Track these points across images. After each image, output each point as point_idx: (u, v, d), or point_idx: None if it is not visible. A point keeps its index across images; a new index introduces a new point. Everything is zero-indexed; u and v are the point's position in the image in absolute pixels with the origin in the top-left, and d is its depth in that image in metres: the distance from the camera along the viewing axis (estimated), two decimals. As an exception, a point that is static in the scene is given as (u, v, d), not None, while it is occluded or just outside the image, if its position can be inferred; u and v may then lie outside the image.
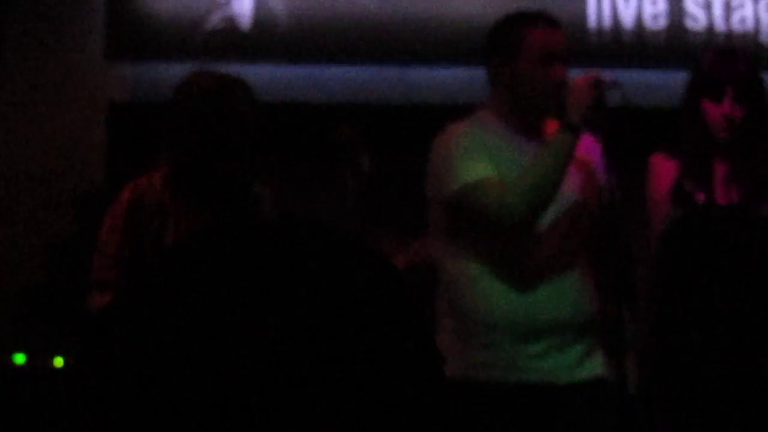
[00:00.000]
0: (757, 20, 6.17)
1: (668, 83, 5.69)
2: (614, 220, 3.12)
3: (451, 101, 5.80)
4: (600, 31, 6.09)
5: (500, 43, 3.35)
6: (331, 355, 1.85)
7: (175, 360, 1.82)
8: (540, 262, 3.25)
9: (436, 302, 3.37)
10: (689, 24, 6.15)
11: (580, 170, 3.35)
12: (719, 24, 6.16)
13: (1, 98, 5.94)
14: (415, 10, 6.00)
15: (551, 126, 3.32)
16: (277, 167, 4.66)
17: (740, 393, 3.26)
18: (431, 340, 2.07)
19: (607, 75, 3.27)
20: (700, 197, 3.42)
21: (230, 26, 5.92)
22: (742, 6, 6.17)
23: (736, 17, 6.17)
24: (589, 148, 3.37)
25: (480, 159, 3.24)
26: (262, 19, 5.94)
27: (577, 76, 3.25)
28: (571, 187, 3.29)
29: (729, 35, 6.16)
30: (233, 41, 5.92)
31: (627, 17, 6.12)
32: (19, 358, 4.71)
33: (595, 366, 3.33)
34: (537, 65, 3.28)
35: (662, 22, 6.13)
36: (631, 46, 6.12)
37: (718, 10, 6.16)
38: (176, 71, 3.90)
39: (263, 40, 5.94)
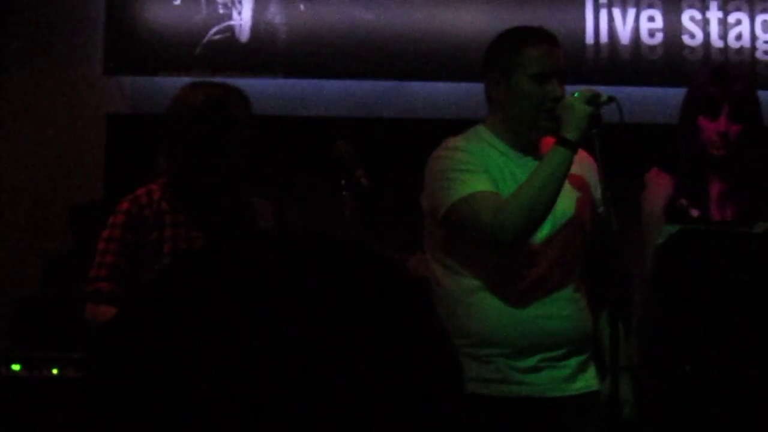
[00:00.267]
0: (753, 37, 6.18)
1: (665, 99, 5.71)
2: (609, 237, 3.12)
3: (448, 116, 5.81)
4: (597, 47, 6.10)
5: (497, 59, 3.36)
6: (339, 365, 1.85)
7: (180, 372, 1.82)
8: (534, 277, 3.26)
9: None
10: (686, 40, 6.16)
11: (576, 186, 3.36)
12: (716, 41, 6.17)
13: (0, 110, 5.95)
14: (413, 25, 6.01)
15: (547, 142, 3.33)
16: (275, 181, 4.67)
17: (738, 407, 3.27)
18: (448, 344, 2.06)
19: (603, 91, 3.28)
20: (695, 214, 3.43)
21: (229, 39, 5.93)
22: (738, 23, 6.18)
23: (732, 34, 6.18)
24: (584, 164, 3.38)
25: (476, 174, 3.25)
26: (261, 32, 5.95)
27: (573, 92, 3.26)
28: (566, 203, 3.30)
29: (725, 52, 6.18)
30: (232, 54, 5.92)
31: (624, 33, 6.13)
32: (15, 369, 4.70)
33: (589, 380, 3.34)
34: (533, 82, 3.29)
35: (659, 39, 6.15)
36: (628, 63, 6.13)
37: (714, 27, 6.17)
38: (174, 84, 3.91)
39: (262, 54, 5.94)
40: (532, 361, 3.25)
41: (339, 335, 1.85)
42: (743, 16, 6.20)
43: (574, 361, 3.31)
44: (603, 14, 6.13)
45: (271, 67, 5.95)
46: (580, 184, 3.39)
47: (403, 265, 4.78)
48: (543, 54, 3.30)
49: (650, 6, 6.16)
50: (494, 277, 3.26)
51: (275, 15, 5.97)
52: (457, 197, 3.21)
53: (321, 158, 3.94)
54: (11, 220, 5.84)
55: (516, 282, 3.26)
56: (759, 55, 6.20)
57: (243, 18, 5.95)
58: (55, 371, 4.69)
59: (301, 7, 5.96)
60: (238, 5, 5.95)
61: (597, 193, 3.39)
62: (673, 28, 6.16)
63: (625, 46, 6.13)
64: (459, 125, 3.48)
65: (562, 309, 3.29)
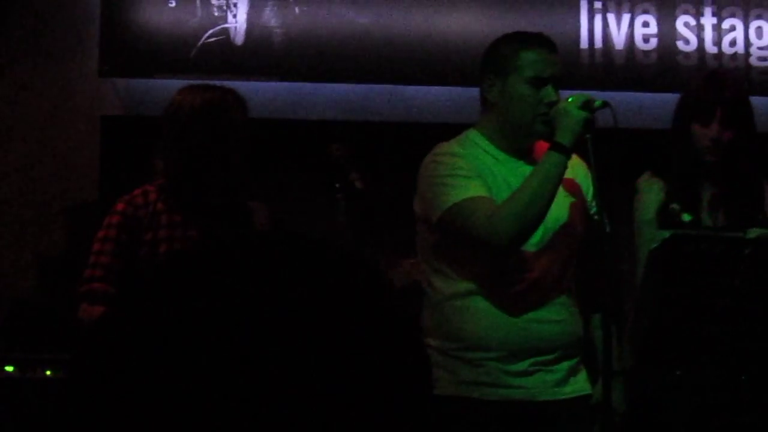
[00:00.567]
0: (747, 43, 6.20)
1: (659, 105, 5.72)
2: (602, 241, 3.13)
3: (443, 120, 5.82)
4: (591, 51, 6.11)
5: (494, 63, 3.36)
6: (316, 365, 1.86)
7: (167, 371, 1.83)
8: (527, 281, 3.27)
9: (423, 320, 3.38)
10: (680, 46, 6.18)
11: (569, 191, 3.36)
12: (710, 46, 6.19)
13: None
14: (408, 29, 6.01)
15: (540, 146, 3.34)
16: (270, 184, 4.67)
17: (728, 411, 3.27)
18: (420, 351, 2.08)
19: (597, 96, 3.29)
20: (687, 219, 3.43)
21: (224, 42, 5.93)
22: (733, 29, 6.20)
23: (727, 40, 6.20)
24: (577, 168, 3.39)
25: (470, 179, 3.25)
26: (256, 35, 5.95)
27: (567, 96, 3.27)
28: (559, 208, 3.30)
29: (720, 58, 6.19)
30: (227, 57, 5.93)
31: (619, 38, 6.14)
32: (9, 371, 4.71)
33: (580, 383, 3.35)
34: (529, 85, 3.29)
35: (653, 44, 6.16)
36: (622, 68, 6.14)
37: (709, 33, 6.19)
38: (169, 86, 3.92)
39: (257, 57, 5.95)
40: (523, 364, 3.25)
41: (312, 335, 1.87)
42: (737, 22, 6.22)
43: (565, 365, 3.31)
44: (598, 19, 6.15)
45: (266, 70, 5.96)
46: (573, 189, 3.39)
47: (378, 267, 4.79)
48: (540, 59, 3.30)
49: (645, 11, 6.18)
50: (487, 281, 3.26)
51: (270, 18, 5.97)
52: (450, 203, 3.21)
53: (315, 161, 3.95)
54: (5, 221, 5.84)
55: (509, 286, 3.26)
56: (753, 61, 6.21)
57: (238, 21, 5.95)
58: (48, 373, 4.69)
59: (296, 10, 5.97)
60: (233, 8, 5.96)
61: (590, 197, 3.39)
62: (668, 34, 6.17)
63: (619, 51, 6.14)
64: (453, 129, 3.48)
65: (554, 313, 3.30)
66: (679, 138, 3.54)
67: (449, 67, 5.98)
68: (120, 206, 3.41)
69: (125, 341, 1.84)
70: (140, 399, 1.81)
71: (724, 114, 3.45)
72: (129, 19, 5.88)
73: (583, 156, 3.29)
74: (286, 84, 5.99)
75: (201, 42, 5.92)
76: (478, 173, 3.27)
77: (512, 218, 3.15)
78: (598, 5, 6.14)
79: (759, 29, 6.21)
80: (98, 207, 4.63)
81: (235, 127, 3.41)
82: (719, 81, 3.53)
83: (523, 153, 3.36)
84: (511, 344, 3.24)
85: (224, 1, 5.96)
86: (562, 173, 3.21)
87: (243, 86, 3.68)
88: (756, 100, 3.63)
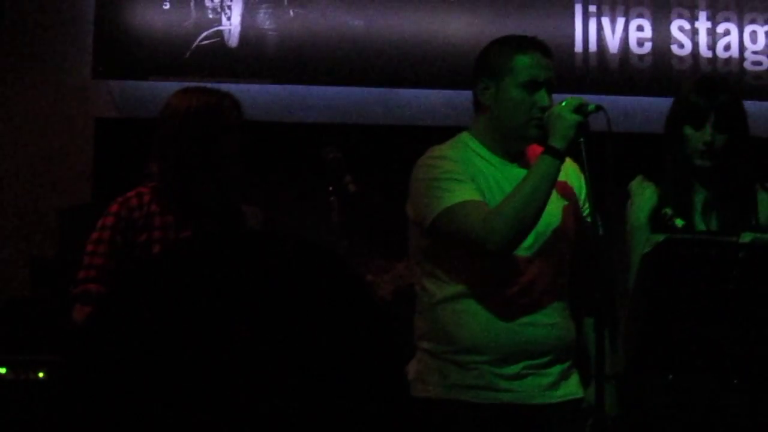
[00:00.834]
0: (742, 47, 6.21)
1: (653, 109, 5.72)
2: (595, 244, 3.13)
3: (436, 123, 5.82)
4: (586, 55, 6.12)
5: (488, 66, 3.36)
6: (296, 364, 1.87)
7: (155, 368, 1.83)
8: (520, 285, 3.26)
9: (415, 323, 3.38)
10: (675, 50, 6.19)
11: (562, 194, 3.36)
12: (704, 51, 6.20)
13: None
14: (402, 32, 6.02)
15: (533, 150, 3.34)
16: (263, 186, 4.67)
17: (721, 416, 3.28)
18: (397, 356, 2.09)
19: (591, 100, 3.29)
20: (680, 224, 3.43)
21: (218, 45, 5.94)
22: (727, 33, 6.21)
23: (721, 44, 6.21)
24: (570, 172, 3.39)
25: (463, 182, 3.24)
26: (250, 38, 5.96)
27: (561, 100, 3.27)
28: (552, 212, 3.30)
29: (714, 62, 6.20)
30: (221, 60, 5.93)
31: (613, 42, 6.16)
32: (2, 372, 4.70)
33: (572, 387, 3.35)
34: (522, 89, 3.29)
35: (648, 48, 6.17)
36: (616, 71, 6.16)
37: (703, 37, 6.20)
38: (163, 89, 3.93)
39: (251, 59, 5.96)
40: (516, 368, 3.25)
41: (293, 331, 1.88)
42: (732, 27, 6.24)
43: (557, 369, 3.31)
44: (592, 23, 6.16)
45: (259, 73, 5.96)
46: (566, 193, 3.39)
47: (376, 280, 4.79)
48: (534, 63, 3.30)
49: (639, 15, 6.19)
50: (479, 284, 3.26)
51: (264, 21, 5.98)
52: (443, 206, 3.21)
53: (309, 164, 3.95)
54: (-1, 224, 5.84)
55: (501, 290, 3.26)
56: (747, 65, 6.23)
57: (232, 23, 5.96)
58: (41, 374, 4.69)
59: (291, 13, 5.98)
60: (227, 11, 5.96)
61: (582, 201, 3.40)
62: (662, 38, 6.19)
63: (613, 55, 6.16)
64: (447, 132, 3.48)
65: (546, 317, 3.30)
66: (672, 142, 3.54)
67: (443, 71, 5.99)
68: (114, 208, 3.41)
69: (114, 338, 1.84)
70: (129, 395, 1.82)
71: (718, 118, 3.46)
72: (123, 21, 5.88)
73: (577, 160, 3.29)
74: (279, 86, 6.00)
75: (195, 44, 5.92)
76: (471, 177, 3.27)
77: (506, 222, 3.14)
78: (592, 9, 6.16)
79: (753, 33, 6.23)
80: (92, 209, 4.62)
81: (232, 130, 3.41)
82: (712, 85, 3.53)
83: (516, 156, 3.36)
84: (503, 348, 3.24)
85: (218, 4, 5.96)
86: (556, 177, 3.21)
87: (237, 88, 3.68)
88: (750, 105, 3.63)
